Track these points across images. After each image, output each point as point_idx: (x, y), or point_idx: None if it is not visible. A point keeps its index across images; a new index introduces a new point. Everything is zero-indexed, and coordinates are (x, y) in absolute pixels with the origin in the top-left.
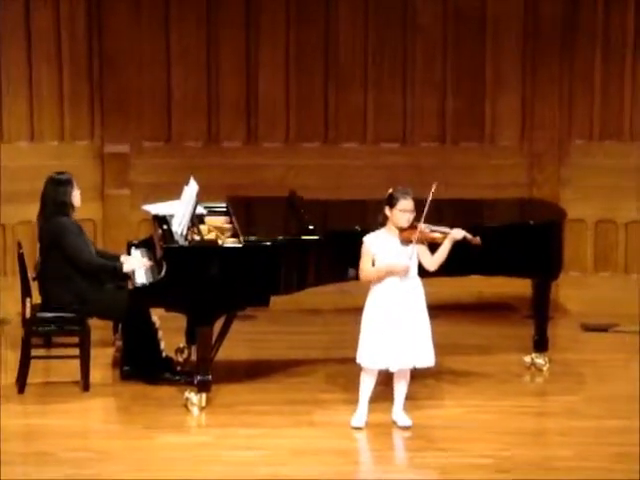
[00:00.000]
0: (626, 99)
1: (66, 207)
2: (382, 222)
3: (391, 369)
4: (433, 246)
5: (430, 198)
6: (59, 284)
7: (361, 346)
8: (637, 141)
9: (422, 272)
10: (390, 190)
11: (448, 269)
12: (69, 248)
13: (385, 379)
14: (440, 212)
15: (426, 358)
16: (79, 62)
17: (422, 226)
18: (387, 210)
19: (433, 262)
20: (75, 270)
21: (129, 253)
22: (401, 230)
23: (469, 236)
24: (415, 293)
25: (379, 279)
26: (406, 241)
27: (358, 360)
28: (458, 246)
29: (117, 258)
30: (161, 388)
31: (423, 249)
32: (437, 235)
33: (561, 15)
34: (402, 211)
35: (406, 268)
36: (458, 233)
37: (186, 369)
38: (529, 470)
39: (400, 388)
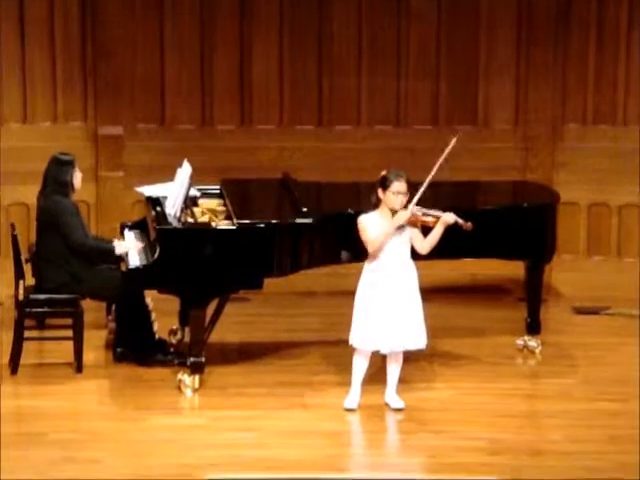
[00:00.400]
0: (620, 83)
1: (67, 187)
2: (375, 204)
3: (382, 351)
4: (425, 229)
5: (450, 147)
6: (54, 265)
7: (353, 327)
8: (630, 125)
9: (416, 255)
10: (383, 172)
11: (442, 252)
12: (64, 227)
13: (378, 361)
14: (434, 194)
15: (418, 340)
16: (72, 44)
17: (414, 209)
18: (380, 192)
19: (425, 245)
20: (70, 251)
21: (122, 234)
22: (394, 212)
23: (460, 221)
24: (408, 276)
25: (386, 241)
26: (399, 225)
27: (350, 341)
28: (451, 229)
29: (110, 243)
30: (154, 370)
31: (415, 232)
32: (429, 219)
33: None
34: (395, 193)
35: (406, 213)
36: (450, 217)
37: (179, 351)
38: (521, 453)
39: (393, 370)
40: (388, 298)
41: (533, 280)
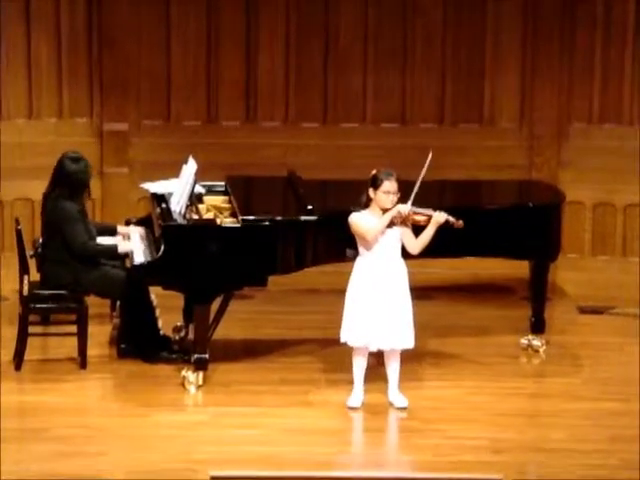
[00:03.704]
0: (626, 82)
1: (81, 189)
2: (366, 204)
3: (370, 348)
4: (416, 229)
5: (426, 167)
6: (59, 265)
7: (343, 323)
8: (636, 124)
9: (419, 253)
10: (374, 171)
11: (446, 250)
12: (66, 234)
13: (380, 359)
14: (439, 193)
15: (405, 340)
16: (78, 39)
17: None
18: (371, 192)
19: (416, 245)
20: (73, 255)
21: None
22: (385, 212)
23: (451, 219)
24: (398, 275)
25: (383, 228)
26: (390, 223)
27: (342, 339)
28: (454, 228)
29: (114, 229)
30: (158, 366)
31: (407, 231)
32: (420, 218)
33: None
34: (386, 192)
35: (406, 206)
36: (441, 216)
37: (183, 348)
38: (524, 451)
39: (392, 369)
40: (377, 296)
41: (538, 279)
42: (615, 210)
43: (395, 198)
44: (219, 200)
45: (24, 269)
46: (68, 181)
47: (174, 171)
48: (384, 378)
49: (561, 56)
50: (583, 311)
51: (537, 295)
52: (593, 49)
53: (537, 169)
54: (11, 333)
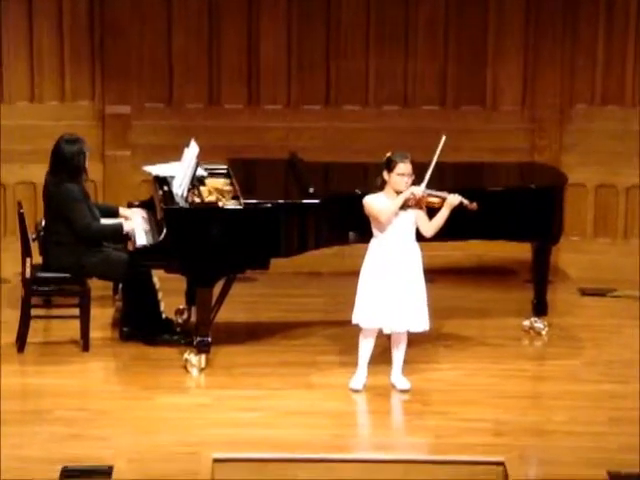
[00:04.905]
0: (628, 64)
1: (80, 172)
2: (381, 186)
3: (384, 330)
4: (430, 211)
5: (439, 150)
6: (61, 248)
7: (356, 305)
8: (638, 106)
9: (423, 236)
10: (388, 154)
11: (450, 233)
12: (70, 214)
13: (384, 342)
14: (442, 175)
15: (420, 322)
16: (80, 22)
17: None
18: (385, 174)
19: (430, 227)
20: (77, 236)
21: None
22: (399, 194)
23: (465, 201)
24: (413, 257)
25: (397, 209)
26: (404, 205)
27: (353, 319)
28: (459, 210)
29: (116, 211)
30: (160, 349)
31: (421, 214)
32: (434, 200)
33: None
34: (400, 175)
35: (420, 188)
36: (455, 198)
37: (186, 330)
38: (526, 433)
39: (398, 351)
40: (392, 278)
41: (540, 262)
42: (617, 192)
43: (409, 180)
44: (221, 183)
45: (26, 252)
46: (66, 163)
47: (176, 154)
48: (385, 360)
49: (563, 38)
50: (585, 293)
51: (539, 277)
52: (595, 31)
53: (539, 152)
54: (14, 316)
